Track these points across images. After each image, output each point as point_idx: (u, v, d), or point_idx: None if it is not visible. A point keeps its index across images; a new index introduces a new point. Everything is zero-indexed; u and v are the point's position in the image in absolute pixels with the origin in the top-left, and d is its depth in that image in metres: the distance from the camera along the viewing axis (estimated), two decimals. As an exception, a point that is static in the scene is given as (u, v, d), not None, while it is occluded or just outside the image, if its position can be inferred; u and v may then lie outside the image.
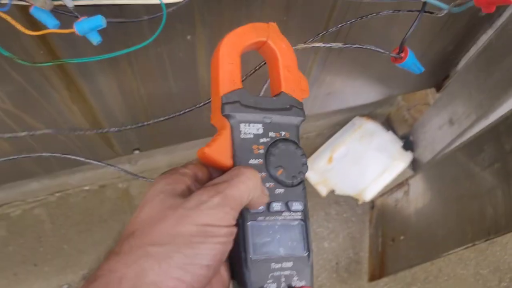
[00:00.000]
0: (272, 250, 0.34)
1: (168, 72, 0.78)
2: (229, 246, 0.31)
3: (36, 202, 1.33)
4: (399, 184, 1.26)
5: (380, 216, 1.30)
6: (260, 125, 0.35)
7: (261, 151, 0.35)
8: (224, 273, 0.34)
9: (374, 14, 0.52)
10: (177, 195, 0.32)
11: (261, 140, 0.35)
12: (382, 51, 0.45)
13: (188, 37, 0.70)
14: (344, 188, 1.39)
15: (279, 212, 0.34)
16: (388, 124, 1.46)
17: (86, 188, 1.36)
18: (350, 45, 0.44)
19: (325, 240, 1.35)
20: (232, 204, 0.31)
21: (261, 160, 0.35)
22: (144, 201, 0.32)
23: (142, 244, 0.29)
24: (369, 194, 1.37)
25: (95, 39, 0.44)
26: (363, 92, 1.14)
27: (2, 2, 0.40)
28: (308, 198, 0.36)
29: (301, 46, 0.41)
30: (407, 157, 1.37)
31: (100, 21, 0.42)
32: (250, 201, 0.32)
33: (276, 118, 0.36)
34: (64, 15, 0.42)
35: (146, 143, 1.08)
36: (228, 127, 0.35)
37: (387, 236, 1.22)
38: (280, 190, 0.35)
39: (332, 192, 1.39)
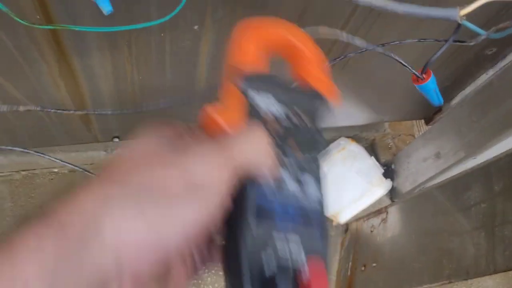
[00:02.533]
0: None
1: (166, 61, 0.75)
2: (214, 211, 0.25)
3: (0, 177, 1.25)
4: (377, 210, 1.25)
5: (353, 240, 1.29)
6: (280, 106, 0.31)
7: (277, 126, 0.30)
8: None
9: (397, 42, 0.50)
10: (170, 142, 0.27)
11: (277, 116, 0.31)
12: (407, 66, 0.43)
13: (196, 27, 0.66)
14: (320, 207, 1.37)
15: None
16: (372, 149, 1.45)
17: (55, 170, 1.29)
18: (384, 53, 0.42)
19: (294, 257, 1.32)
20: (229, 159, 0.26)
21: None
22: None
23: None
24: (344, 216, 1.35)
25: (106, 7, 0.41)
26: (355, 112, 1.13)
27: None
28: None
29: (324, 30, 0.38)
30: (386, 184, 1.35)
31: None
32: (255, 167, 0.27)
33: (301, 104, 0.32)
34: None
35: (127, 132, 1.03)
36: (241, 95, 0.29)
37: (359, 261, 1.20)
38: (291, 162, 0.30)
39: (307, 209, 1.37)
